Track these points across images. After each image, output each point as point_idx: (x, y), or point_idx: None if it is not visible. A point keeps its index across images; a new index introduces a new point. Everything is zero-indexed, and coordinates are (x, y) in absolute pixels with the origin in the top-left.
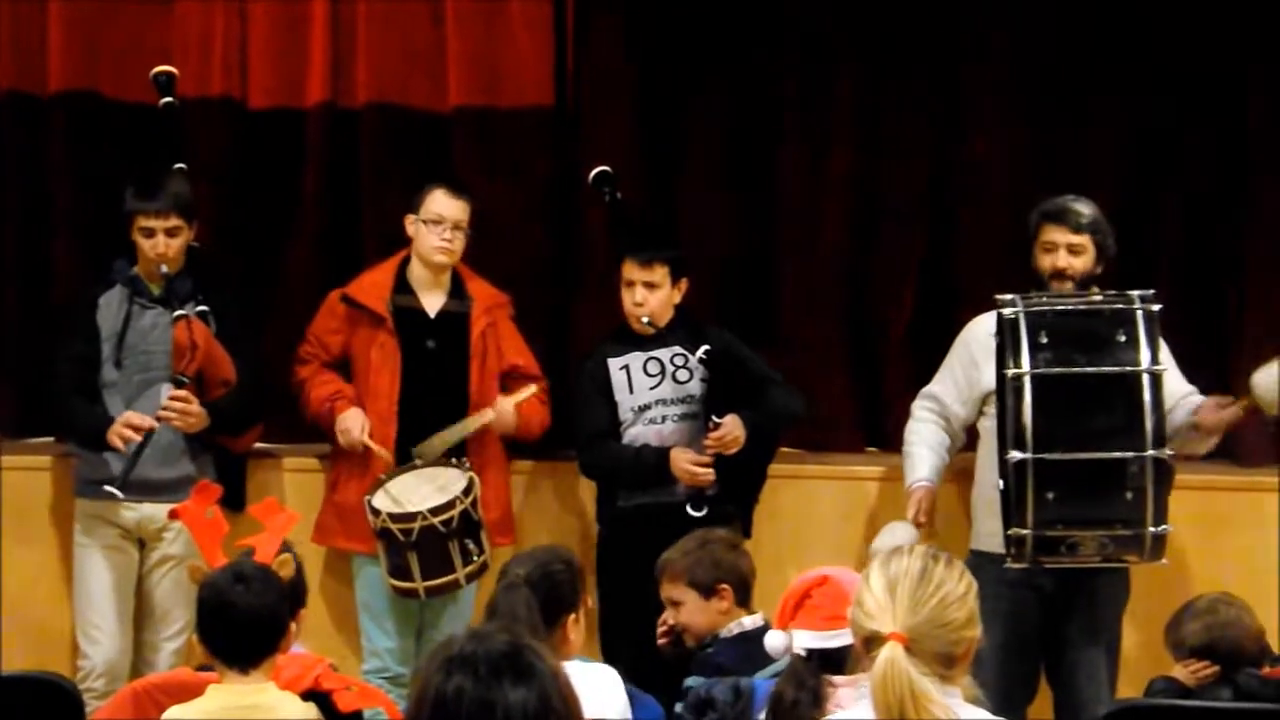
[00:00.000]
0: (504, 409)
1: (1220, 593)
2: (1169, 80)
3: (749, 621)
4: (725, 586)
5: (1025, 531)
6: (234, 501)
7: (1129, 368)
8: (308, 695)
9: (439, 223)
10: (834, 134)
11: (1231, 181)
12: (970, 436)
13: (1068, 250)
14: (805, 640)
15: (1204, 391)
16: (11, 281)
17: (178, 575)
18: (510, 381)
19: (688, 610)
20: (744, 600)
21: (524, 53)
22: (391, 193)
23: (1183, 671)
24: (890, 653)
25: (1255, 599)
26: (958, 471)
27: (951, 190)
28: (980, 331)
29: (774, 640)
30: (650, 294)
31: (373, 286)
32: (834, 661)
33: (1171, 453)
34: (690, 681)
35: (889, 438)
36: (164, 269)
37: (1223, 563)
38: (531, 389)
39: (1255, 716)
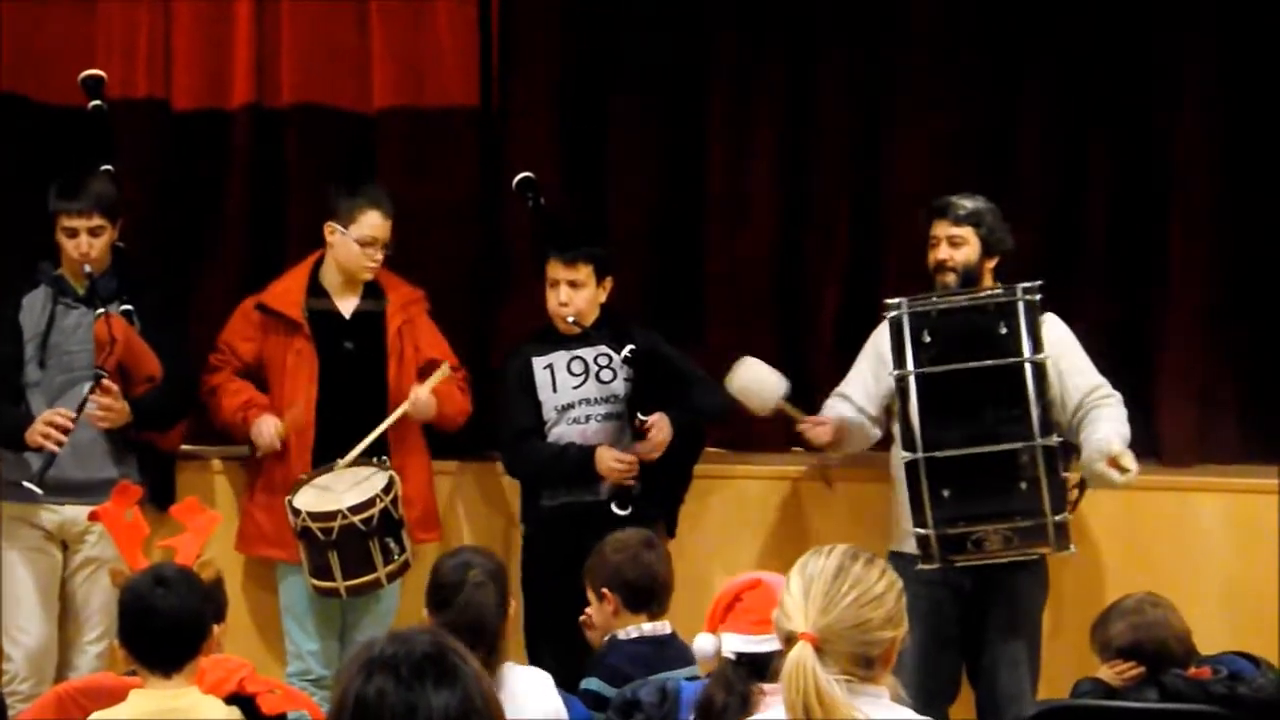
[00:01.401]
0: (420, 396)
1: (1146, 593)
2: (1094, 75)
3: (649, 627)
4: (606, 591)
5: (927, 531)
6: (163, 501)
7: (1011, 359)
8: (231, 699)
9: (372, 244)
10: (759, 134)
11: (1155, 179)
12: (886, 440)
13: (948, 242)
14: (734, 644)
15: (1116, 386)
16: None
17: (101, 578)
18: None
19: (591, 610)
20: (638, 605)
21: (449, 53)
22: (317, 194)
23: (1108, 672)
24: (798, 653)
25: (1180, 599)
26: (880, 473)
27: (877, 189)
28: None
29: (702, 643)
30: (575, 293)
31: (286, 293)
32: (762, 666)
33: (1061, 439)
34: (586, 683)
35: None
36: (87, 269)
37: (1147, 563)
38: (444, 370)
39: (1181, 717)
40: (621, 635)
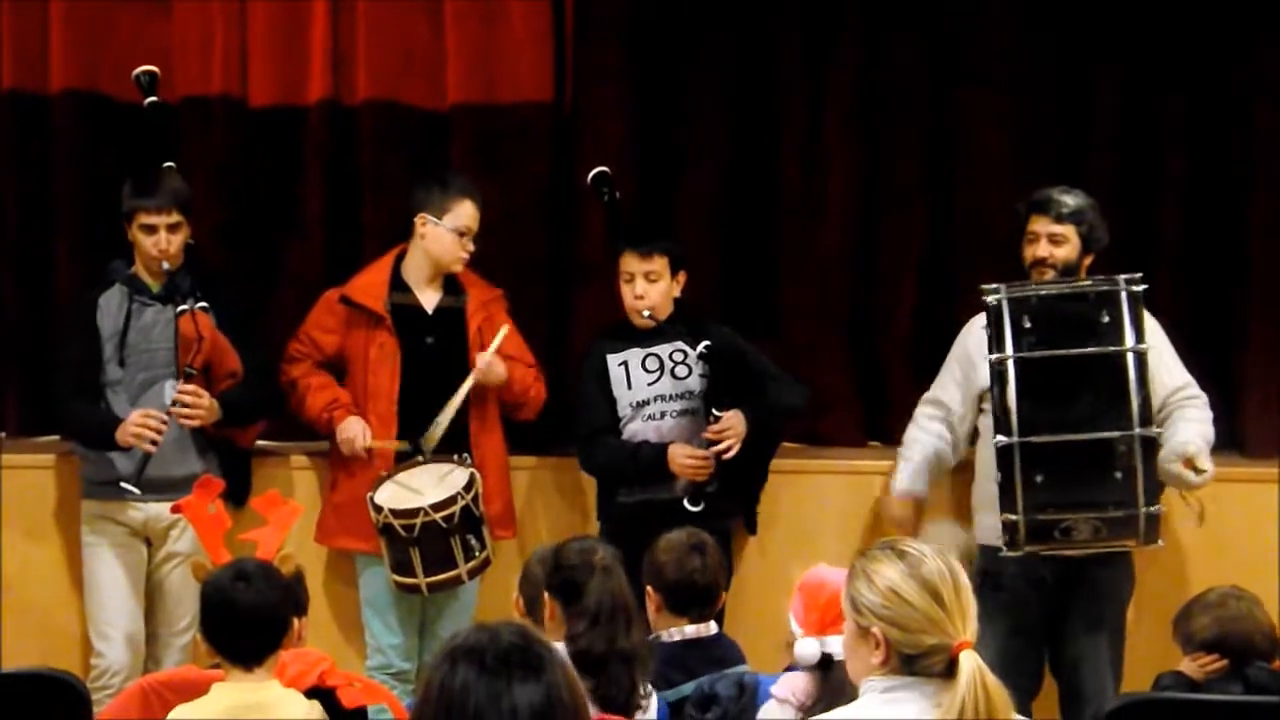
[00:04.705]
0: (485, 361)
1: (1230, 586)
2: (1172, 70)
3: (691, 630)
4: (650, 590)
5: (1016, 517)
6: (240, 498)
7: (1113, 348)
8: (312, 692)
9: (467, 233)
10: (832, 129)
11: (1235, 177)
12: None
13: (1049, 239)
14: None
15: (1198, 378)
16: (14, 281)
17: (185, 572)
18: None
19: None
20: (678, 608)
21: (522, 49)
22: (391, 189)
23: (1191, 665)
24: (974, 663)
25: (1263, 592)
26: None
27: (951, 182)
28: (977, 328)
29: (807, 648)
30: (650, 286)
31: (370, 286)
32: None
33: (1159, 430)
34: None
35: (891, 432)
36: (166, 265)
37: (1229, 555)
38: (504, 332)
39: (1266, 710)
40: (665, 637)
